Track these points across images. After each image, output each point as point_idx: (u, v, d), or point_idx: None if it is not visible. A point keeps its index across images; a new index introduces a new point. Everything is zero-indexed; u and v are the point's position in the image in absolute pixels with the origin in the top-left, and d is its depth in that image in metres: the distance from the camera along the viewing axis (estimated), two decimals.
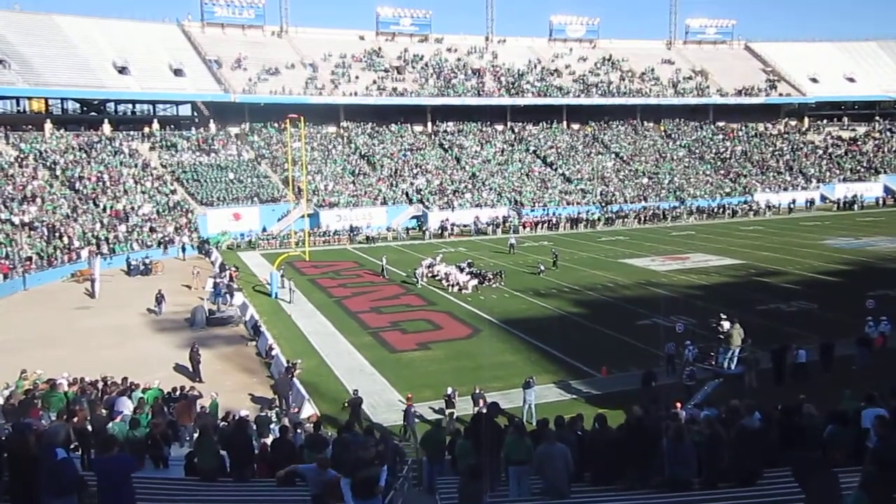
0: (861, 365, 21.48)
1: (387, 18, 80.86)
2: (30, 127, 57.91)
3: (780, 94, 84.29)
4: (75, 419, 13.19)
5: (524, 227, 58.67)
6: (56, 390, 16.59)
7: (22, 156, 51.95)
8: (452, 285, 35.69)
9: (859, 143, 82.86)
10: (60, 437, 8.20)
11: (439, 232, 56.94)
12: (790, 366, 21.34)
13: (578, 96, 78.41)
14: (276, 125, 66.11)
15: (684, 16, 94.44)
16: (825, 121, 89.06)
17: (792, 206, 68.08)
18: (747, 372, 21.25)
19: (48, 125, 57.77)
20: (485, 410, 13.67)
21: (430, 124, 75.18)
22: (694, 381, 20.28)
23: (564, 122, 79.84)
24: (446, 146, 71.45)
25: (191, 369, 23.40)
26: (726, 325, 22.99)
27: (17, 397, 15.88)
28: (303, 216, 53.80)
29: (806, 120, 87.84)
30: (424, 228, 57.92)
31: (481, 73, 78.54)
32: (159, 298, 32.36)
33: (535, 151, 73.43)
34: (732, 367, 22.11)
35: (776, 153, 79.69)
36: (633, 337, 26.22)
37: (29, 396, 15.71)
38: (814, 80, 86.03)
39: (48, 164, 52.36)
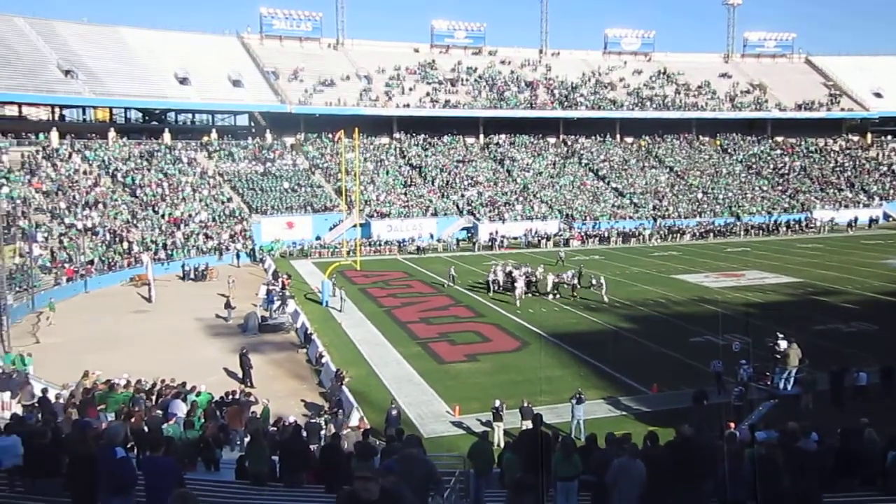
0: None
1: (441, 31, 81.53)
2: (94, 135, 59.89)
3: (842, 109, 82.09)
4: (132, 420, 13.56)
5: (575, 241, 58.17)
6: (114, 391, 17.06)
7: (86, 163, 53.77)
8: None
9: None
10: (120, 437, 8.42)
11: (489, 244, 56.89)
12: (849, 388, 20.68)
13: (632, 109, 77.71)
14: (330, 136, 67.05)
15: (742, 29, 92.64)
16: (889, 136, 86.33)
17: (853, 223, 66.10)
18: (804, 393, 20.66)
19: (111, 133, 59.53)
20: (530, 424, 13.50)
21: (482, 136, 75.36)
22: (743, 402, 19.74)
23: (618, 136, 79.16)
24: (498, 158, 71.45)
25: (241, 374, 23.80)
26: (783, 344, 22.39)
27: (78, 397, 16.38)
28: (354, 226, 54.35)
29: (869, 135, 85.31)
30: (474, 240, 57.94)
31: (534, 85, 78.44)
32: (228, 305, 33.08)
33: (587, 165, 72.92)
34: (789, 387, 21.52)
35: (837, 169, 77.56)
36: (685, 354, 25.71)
37: (88, 396, 16.19)
38: (878, 95, 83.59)
39: (111, 171, 54.05)
